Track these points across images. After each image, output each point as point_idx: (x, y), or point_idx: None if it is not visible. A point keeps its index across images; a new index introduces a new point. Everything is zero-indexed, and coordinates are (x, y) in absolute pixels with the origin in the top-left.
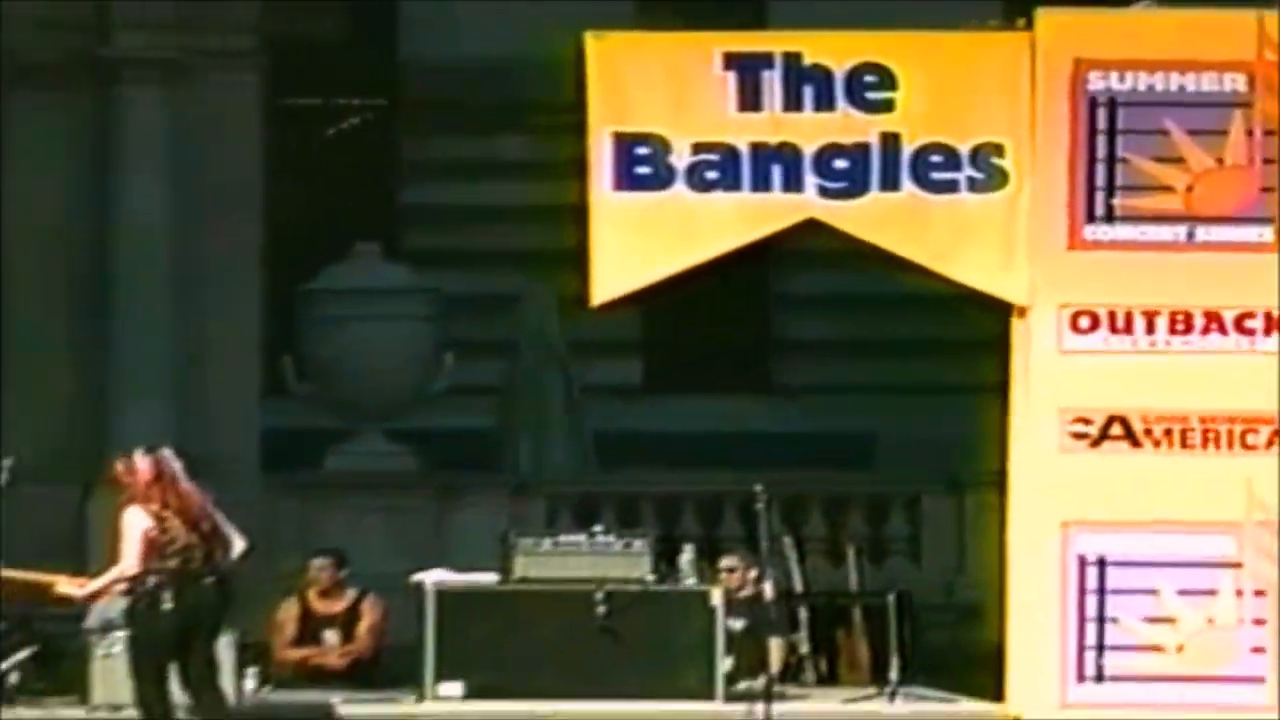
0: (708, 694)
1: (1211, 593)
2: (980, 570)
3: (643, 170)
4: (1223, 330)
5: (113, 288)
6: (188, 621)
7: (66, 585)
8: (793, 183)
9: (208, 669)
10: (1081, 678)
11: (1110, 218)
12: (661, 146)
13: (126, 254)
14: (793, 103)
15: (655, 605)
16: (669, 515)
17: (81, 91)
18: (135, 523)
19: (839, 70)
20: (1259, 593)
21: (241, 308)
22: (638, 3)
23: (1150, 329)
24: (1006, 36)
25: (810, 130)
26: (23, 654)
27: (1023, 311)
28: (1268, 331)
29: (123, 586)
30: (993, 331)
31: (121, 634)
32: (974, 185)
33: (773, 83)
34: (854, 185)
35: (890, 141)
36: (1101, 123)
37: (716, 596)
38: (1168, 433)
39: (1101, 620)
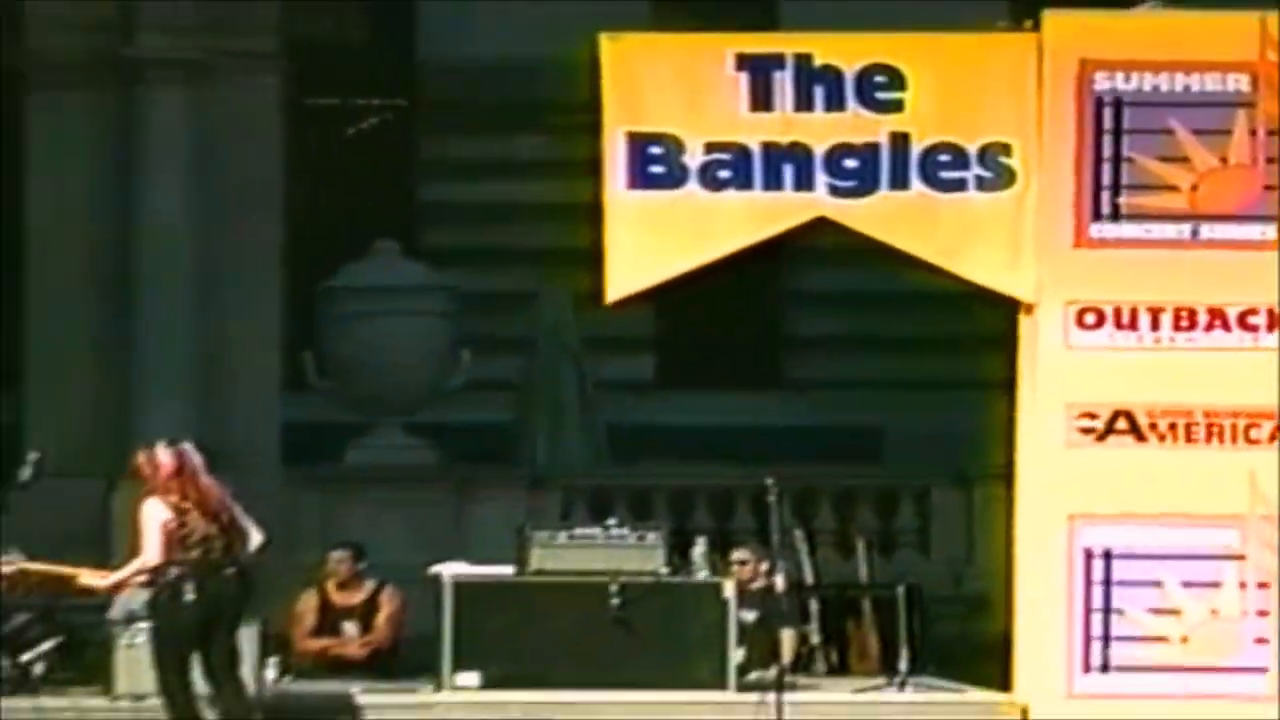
0: (720, 684)
1: (1215, 585)
2: (988, 562)
3: (656, 169)
4: (1226, 327)
5: (136, 286)
6: (209, 612)
7: (90, 577)
8: (804, 182)
9: (229, 659)
10: (1087, 668)
11: (1116, 216)
12: (675, 146)
13: (149, 252)
14: (804, 103)
15: (668, 597)
16: (682, 508)
17: (105, 92)
18: (154, 515)
19: (849, 71)
20: (1262, 585)
21: (262, 305)
22: (653, 4)
23: (1155, 325)
24: (1014, 37)
25: (821, 130)
26: (48, 645)
27: (1030, 308)
28: (1270, 328)
29: (145, 578)
30: (1000, 328)
31: (144, 625)
32: (982, 184)
33: (784, 83)
34: (864, 184)
35: (899, 141)
36: (1107, 122)
37: (729, 588)
38: (1172, 427)
39: (1107, 612)
